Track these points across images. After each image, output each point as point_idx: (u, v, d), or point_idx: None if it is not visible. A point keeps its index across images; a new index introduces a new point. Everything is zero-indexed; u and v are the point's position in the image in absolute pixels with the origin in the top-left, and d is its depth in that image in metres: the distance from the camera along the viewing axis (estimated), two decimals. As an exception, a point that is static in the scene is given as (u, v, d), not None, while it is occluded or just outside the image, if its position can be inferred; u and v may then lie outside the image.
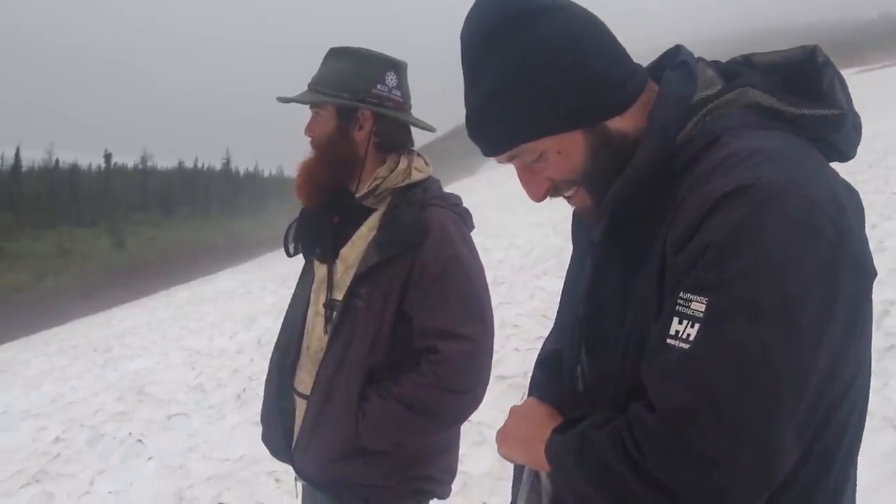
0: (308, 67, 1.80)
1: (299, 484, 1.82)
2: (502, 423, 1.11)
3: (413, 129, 1.76)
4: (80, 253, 64.29)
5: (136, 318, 12.19)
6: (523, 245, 9.27)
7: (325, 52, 1.73)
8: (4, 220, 69.72)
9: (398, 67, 1.70)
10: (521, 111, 0.91)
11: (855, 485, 0.95)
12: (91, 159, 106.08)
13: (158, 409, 5.49)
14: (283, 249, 1.80)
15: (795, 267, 0.76)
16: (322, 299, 1.71)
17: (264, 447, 1.88)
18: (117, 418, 5.38)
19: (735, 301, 0.77)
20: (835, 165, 0.92)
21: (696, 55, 0.99)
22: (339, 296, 1.67)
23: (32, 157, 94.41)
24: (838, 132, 0.90)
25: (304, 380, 1.72)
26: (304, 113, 1.74)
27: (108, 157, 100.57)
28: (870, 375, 0.92)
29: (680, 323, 0.80)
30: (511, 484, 1.19)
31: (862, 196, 0.90)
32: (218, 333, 8.36)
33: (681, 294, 0.80)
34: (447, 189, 1.78)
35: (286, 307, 1.89)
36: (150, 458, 4.42)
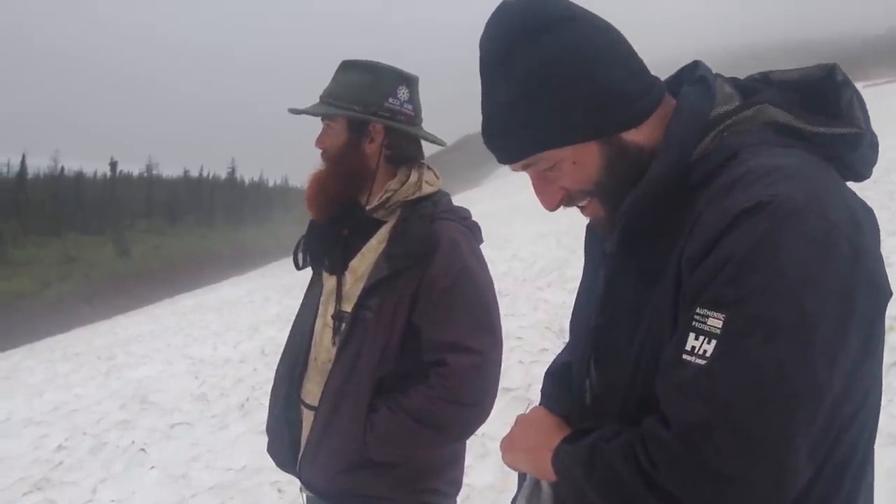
0: (314, 78, 1.80)
1: (304, 495, 1.81)
2: (507, 432, 1.11)
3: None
4: (84, 260, 64.50)
5: (140, 326, 12.18)
6: (527, 257, 9.25)
7: (332, 63, 1.74)
8: (10, 227, 69.97)
9: (410, 81, 1.71)
10: (538, 120, 0.92)
11: (868, 500, 0.95)
12: (96, 167, 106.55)
13: (161, 418, 5.48)
14: (287, 259, 1.80)
15: (812, 285, 0.76)
16: (331, 310, 1.71)
17: (267, 457, 1.88)
18: (120, 427, 5.37)
19: (752, 318, 0.77)
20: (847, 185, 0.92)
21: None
22: (347, 307, 1.67)
23: (38, 164, 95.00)
24: (855, 151, 0.90)
25: (312, 391, 1.72)
26: (311, 124, 1.76)
27: (113, 165, 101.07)
28: (881, 393, 0.92)
29: (696, 339, 0.80)
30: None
31: (869, 213, 0.88)
32: (222, 342, 8.35)
33: (697, 310, 0.80)
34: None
35: (290, 317, 1.89)
36: (152, 467, 4.42)
